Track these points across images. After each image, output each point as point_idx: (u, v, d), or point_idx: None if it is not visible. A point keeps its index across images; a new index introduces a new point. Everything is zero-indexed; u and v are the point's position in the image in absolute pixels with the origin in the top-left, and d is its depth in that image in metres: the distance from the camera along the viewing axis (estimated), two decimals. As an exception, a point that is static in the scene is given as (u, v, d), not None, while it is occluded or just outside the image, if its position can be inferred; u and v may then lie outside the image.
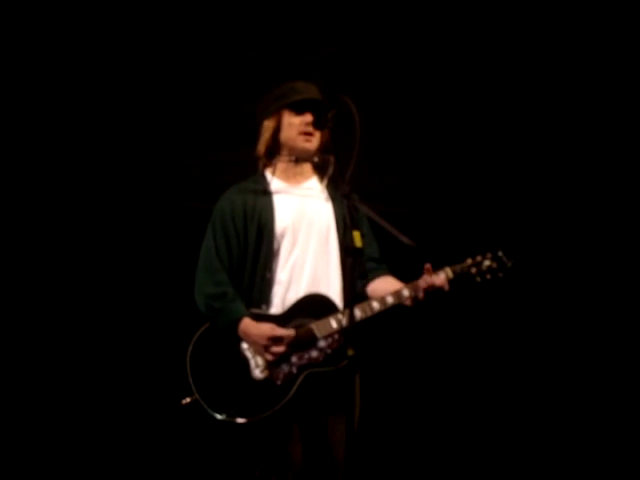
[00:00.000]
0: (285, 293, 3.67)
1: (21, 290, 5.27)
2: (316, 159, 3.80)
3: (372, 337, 3.81)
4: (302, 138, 3.75)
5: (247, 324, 3.59)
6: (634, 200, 5.54)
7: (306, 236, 3.72)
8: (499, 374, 5.54)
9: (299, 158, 3.79)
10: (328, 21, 4.92)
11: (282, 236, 3.71)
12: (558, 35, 5.15)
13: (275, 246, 3.70)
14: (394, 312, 3.68)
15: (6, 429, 5.16)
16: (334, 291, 3.70)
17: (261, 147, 3.85)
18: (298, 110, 3.76)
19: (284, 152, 3.82)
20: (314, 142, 3.77)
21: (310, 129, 3.73)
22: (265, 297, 3.66)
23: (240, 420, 3.53)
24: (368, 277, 3.77)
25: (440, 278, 3.61)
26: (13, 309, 5.25)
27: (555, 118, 5.43)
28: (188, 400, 3.58)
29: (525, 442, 5.50)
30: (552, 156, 5.53)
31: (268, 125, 3.81)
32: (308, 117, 3.74)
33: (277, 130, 3.80)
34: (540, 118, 5.44)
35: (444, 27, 5.00)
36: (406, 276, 3.67)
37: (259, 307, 3.66)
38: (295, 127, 3.75)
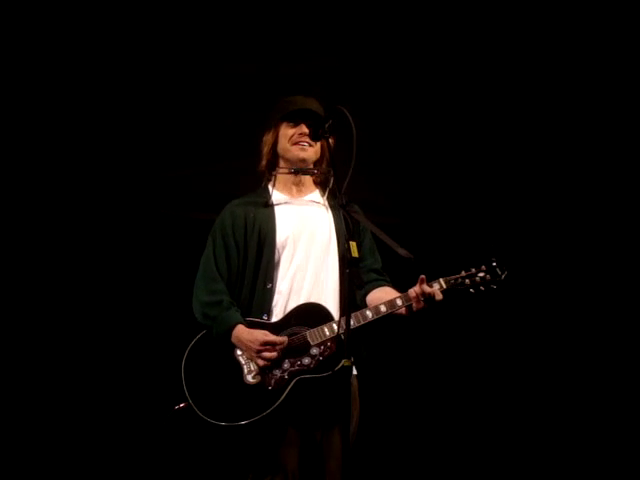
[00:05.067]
0: (286, 303, 3.71)
1: (20, 296, 5.29)
2: (316, 171, 3.83)
3: (371, 347, 3.80)
4: (296, 147, 3.81)
5: (241, 330, 3.63)
6: (627, 210, 5.57)
7: (307, 247, 3.76)
8: (496, 384, 5.58)
9: (298, 170, 3.83)
10: (328, 32, 4.92)
11: (283, 247, 3.75)
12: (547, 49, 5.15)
13: (276, 257, 3.75)
14: (393, 323, 3.71)
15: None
16: (333, 301, 3.73)
17: (262, 162, 3.91)
18: (294, 122, 3.83)
19: (282, 164, 3.87)
20: (309, 152, 3.82)
21: (303, 139, 3.80)
22: (266, 307, 3.70)
23: (231, 424, 3.55)
24: (367, 287, 3.80)
25: (432, 288, 3.63)
26: (12, 314, 5.25)
27: (547, 131, 5.46)
28: (182, 405, 3.61)
29: (520, 448, 5.55)
30: (546, 167, 5.55)
31: (267, 139, 3.89)
32: (302, 128, 3.80)
33: (275, 143, 3.87)
34: (534, 129, 5.47)
35: (442, 39, 5.00)
36: (403, 288, 3.69)
37: (260, 317, 3.69)
38: (289, 137, 3.83)
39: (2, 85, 4.97)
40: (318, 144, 3.82)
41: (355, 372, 3.70)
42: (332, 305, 3.71)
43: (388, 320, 3.68)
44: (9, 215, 5.31)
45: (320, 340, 3.61)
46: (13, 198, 5.33)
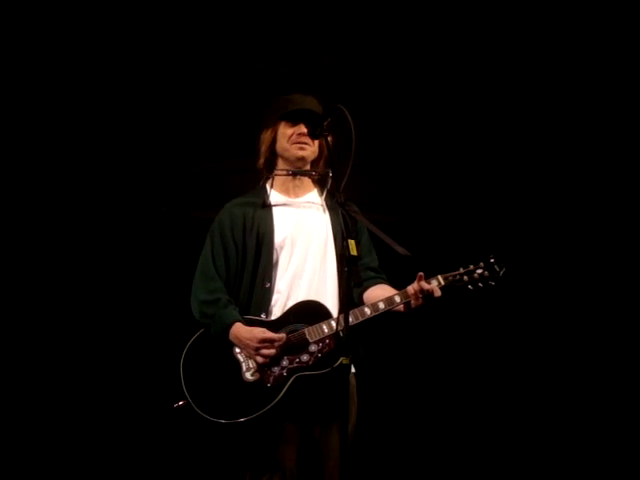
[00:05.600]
0: (285, 302, 3.72)
1: (20, 294, 5.29)
2: (313, 173, 3.83)
3: (369, 345, 3.80)
4: (295, 147, 3.81)
5: (239, 328, 3.64)
6: (625, 206, 5.57)
7: (304, 247, 3.77)
8: (495, 381, 5.61)
9: (296, 172, 3.84)
10: (326, 30, 4.91)
11: (281, 247, 3.76)
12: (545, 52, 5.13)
13: (274, 257, 3.75)
14: (391, 321, 3.71)
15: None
16: (331, 300, 3.74)
17: (260, 160, 3.91)
18: (293, 121, 3.83)
19: (281, 163, 3.88)
20: (308, 151, 3.82)
21: (302, 138, 3.79)
22: (265, 306, 3.71)
23: (230, 421, 3.56)
24: (365, 285, 3.81)
25: (431, 285, 3.63)
26: (11, 312, 5.26)
27: (544, 126, 5.45)
28: (180, 403, 3.61)
29: (519, 445, 5.57)
30: (544, 164, 5.55)
31: (265, 137, 3.88)
32: (302, 127, 3.79)
33: (274, 142, 3.86)
34: (531, 125, 5.46)
35: (440, 36, 4.99)
36: (401, 285, 3.69)
37: (258, 316, 3.70)
38: (288, 137, 3.82)
39: (2, 85, 4.96)
40: (317, 143, 3.82)
41: (353, 370, 3.71)
42: (331, 305, 3.71)
43: (386, 317, 3.69)
44: (10, 213, 5.31)
45: (318, 337, 3.62)
46: (14, 196, 5.34)
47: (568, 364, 5.64)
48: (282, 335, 3.61)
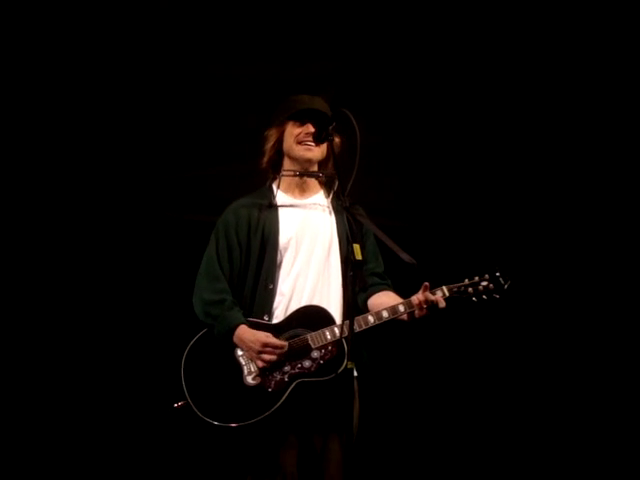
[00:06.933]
0: (287, 304, 3.71)
1: (23, 296, 5.31)
2: (320, 175, 3.84)
3: (372, 350, 3.80)
4: (301, 147, 3.80)
5: (243, 330, 3.63)
6: (633, 222, 5.57)
7: (309, 249, 3.77)
8: (497, 390, 5.60)
9: (303, 173, 3.83)
10: (331, 35, 4.94)
11: (285, 249, 3.75)
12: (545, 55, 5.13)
13: (278, 258, 3.74)
14: (394, 327, 3.71)
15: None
16: (335, 304, 3.74)
17: (264, 158, 3.90)
18: (301, 121, 3.82)
19: (287, 164, 3.87)
20: (315, 152, 3.81)
21: (309, 139, 3.78)
22: (267, 307, 3.70)
23: (230, 425, 3.55)
24: (369, 291, 3.81)
25: (435, 296, 3.63)
26: (16, 315, 5.28)
27: (556, 141, 5.45)
28: (180, 403, 3.61)
29: (520, 453, 5.56)
30: (554, 178, 5.56)
31: (270, 135, 3.88)
32: (309, 127, 3.78)
33: (280, 141, 3.86)
34: (542, 138, 5.46)
35: (450, 44, 5.02)
36: (405, 292, 3.69)
37: (261, 317, 3.69)
38: (295, 136, 3.81)
39: (6, 90, 4.99)
40: (324, 143, 3.80)
41: (355, 374, 3.68)
42: (334, 308, 3.71)
43: (389, 324, 3.68)
44: (14, 217, 5.35)
45: (321, 344, 3.61)
46: (18, 200, 5.37)
47: (571, 377, 5.62)
48: (284, 343, 3.61)
